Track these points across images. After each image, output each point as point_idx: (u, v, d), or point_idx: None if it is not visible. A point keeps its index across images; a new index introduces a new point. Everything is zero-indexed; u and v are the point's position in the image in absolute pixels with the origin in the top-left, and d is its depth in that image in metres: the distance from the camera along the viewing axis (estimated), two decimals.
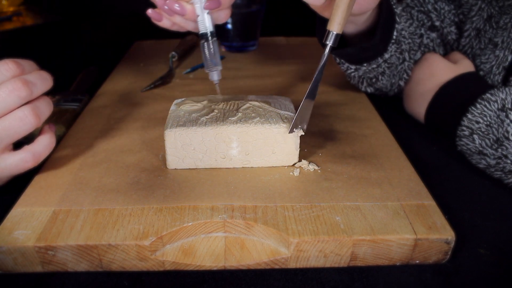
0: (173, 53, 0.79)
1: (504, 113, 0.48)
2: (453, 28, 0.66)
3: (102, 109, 0.62)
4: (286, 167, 0.47)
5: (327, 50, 0.44)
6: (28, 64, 0.42)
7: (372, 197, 0.43)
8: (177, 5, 0.44)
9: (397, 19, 0.56)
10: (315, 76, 0.44)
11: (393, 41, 0.56)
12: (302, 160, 0.48)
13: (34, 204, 0.42)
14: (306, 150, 0.50)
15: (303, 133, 0.46)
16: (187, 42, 0.87)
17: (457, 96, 0.55)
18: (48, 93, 0.43)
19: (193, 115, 0.47)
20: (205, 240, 0.40)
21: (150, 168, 0.47)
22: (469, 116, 0.51)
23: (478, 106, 0.51)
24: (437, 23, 0.66)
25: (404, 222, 0.39)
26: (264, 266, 0.39)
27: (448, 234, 0.38)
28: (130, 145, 0.52)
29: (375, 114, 0.60)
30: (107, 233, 0.38)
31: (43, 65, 0.44)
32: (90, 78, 0.76)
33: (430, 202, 0.42)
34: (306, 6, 0.48)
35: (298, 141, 0.46)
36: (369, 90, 0.65)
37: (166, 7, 0.44)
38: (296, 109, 0.47)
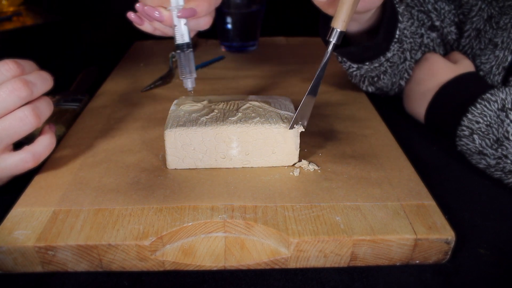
0: (173, 53, 0.79)
1: (504, 113, 0.48)
2: (453, 28, 0.66)
3: (102, 109, 0.62)
4: (286, 167, 0.47)
5: (330, 47, 0.44)
6: (28, 64, 0.42)
7: (372, 197, 0.43)
8: (157, 12, 0.44)
9: (400, 18, 0.56)
10: (317, 73, 0.44)
11: (395, 40, 0.56)
12: (302, 160, 0.48)
13: (34, 204, 0.42)
14: (306, 150, 0.50)
15: (303, 129, 0.46)
16: None
17: (457, 96, 0.55)
18: (48, 93, 0.42)
19: (193, 115, 0.48)
20: (205, 240, 0.40)
21: (150, 168, 0.47)
22: (469, 116, 0.51)
23: (478, 106, 0.51)
24: (437, 23, 0.66)
25: (404, 222, 0.39)
26: (264, 266, 0.39)
27: (448, 234, 0.38)
28: (130, 145, 0.52)
29: (375, 114, 0.60)
30: (107, 233, 0.38)
31: (43, 65, 0.44)
32: (90, 78, 0.76)
33: (430, 202, 0.42)
34: (306, 5, 0.47)
35: (298, 141, 0.46)
36: (370, 89, 0.65)
37: (144, 12, 0.44)
38: (296, 108, 0.47)
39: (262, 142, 0.46)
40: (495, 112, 0.49)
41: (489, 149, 0.49)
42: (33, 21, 0.90)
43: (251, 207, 0.41)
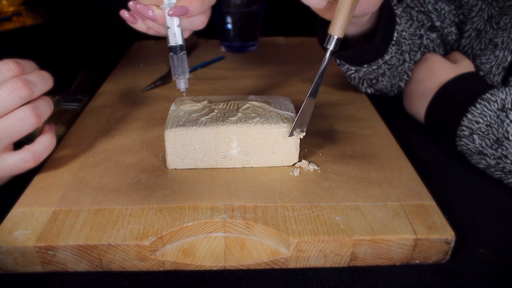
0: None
1: (504, 113, 0.48)
2: (453, 29, 0.66)
3: (102, 109, 0.62)
4: (286, 167, 0.47)
5: (327, 54, 0.44)
6: (28, 64, 0.42)
7: (372, 197, 0.43)
8: (150, 11, 0.43)
9: (398, 20, 0.56)
10: (315, 80, 0.44)
11: (393, 42, 0.56)
12: (302, 160, 0.48)
13: (34, 204, 0.42)
14: (306, 150, 0.50)
15: (304, 134, 0.46)
16: (187, 42, 0.87)
17: (457, 96, 0.55)
18: (48, 93, 0.42)
19: (193, 115, 0.48)
20: (205, 240, 0.40)
21: (150, 168, 0.47)
22: (469, 116, 0.51)
23: (478, 106, 0.51)
24: (438, 24, 0.66)
25: (404, 222, 0.39)
26: (264, 266, 0.39)
27: (448, 234, 0.38)
28: (130, 145, 0.52)
29: (375, 114, 0.60)
30: (107, 233, 0.38)
31: (43, 65, 0.44)
32: (90, 78, 0.76)
33: (430, 202, 0.42)
34: (307, 8, 0.47)
35: (298, 141, 0.46)
36: (369, 91, 0.65)
37: (137, 10, 0.43)
38: (296, 109, 0.47)
39: (262, 142, 0.46)
40: (495, 112, 0.49)
41: (489, 149, 0.49)
42: (33, 21, 0.90)
43: (251, 207, 0.41)
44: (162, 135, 0.46)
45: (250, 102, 0.49)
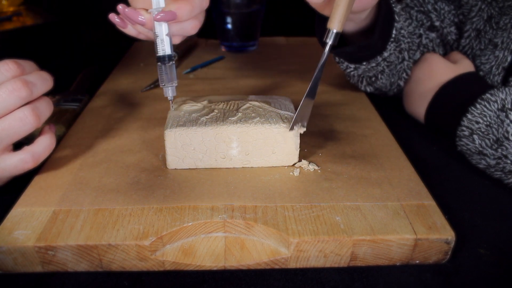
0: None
1: (504, 113, 0.48)
2: (453, 29, 0.66)
3: (102, 109, 0.62)
4: (286, 167, 0.47)
5: (327, 48, 0.44)
6: (28, 64, 0.42)
7: (372, 197, 0.43)
8: (141, 17, 0.41)
9: (396, 18, 0.56)
10: (315, 74, 0.44)
11: (392, 39, 0.56)
12: (302, 160, 0.48)
13: (34, 204, 0.42)
14: (306, 150, 0.50)
15: (304, 129, 0.46)
16: (187, 42, 0.87)
17: (457, 96, 0.55)
18: (48, 93, 0.42)
19: (193, 115, 0.48)
20: (205, 240, 0.40)
21: (150, 168, 0.47)
22: (469, 116, 0.51)
23: (478, 106, 0.51)
24: (437, 23, 0.66)
25: (404, 222, 0.39)
26: (264, 266, 0.39)
27: (448, 234, 0.38)
28: (130, 145, 0.52)
29: (375, 114, 0.60)
30: (107, 233, 0.38)
31: (43, 65, 0.44)
32: (90, 78, 0.76)
33: (430, 202, 0.42)
34: (306, 5, 0.47)
35: (298, 141, 0.46)
36: (368, 89, 0.65)
37: (125, 14, 0.42)
38: (296, 108, 0.47)
39: (262, 142, 0.46)
40: (495, 112, 0.49)
41: (489, 149, 0.49)
42: (33, 21, 0.90)
43: (251, 207, 0.41)
44: (162, 135, 0.46)
45: (250, 102, 0.49)
